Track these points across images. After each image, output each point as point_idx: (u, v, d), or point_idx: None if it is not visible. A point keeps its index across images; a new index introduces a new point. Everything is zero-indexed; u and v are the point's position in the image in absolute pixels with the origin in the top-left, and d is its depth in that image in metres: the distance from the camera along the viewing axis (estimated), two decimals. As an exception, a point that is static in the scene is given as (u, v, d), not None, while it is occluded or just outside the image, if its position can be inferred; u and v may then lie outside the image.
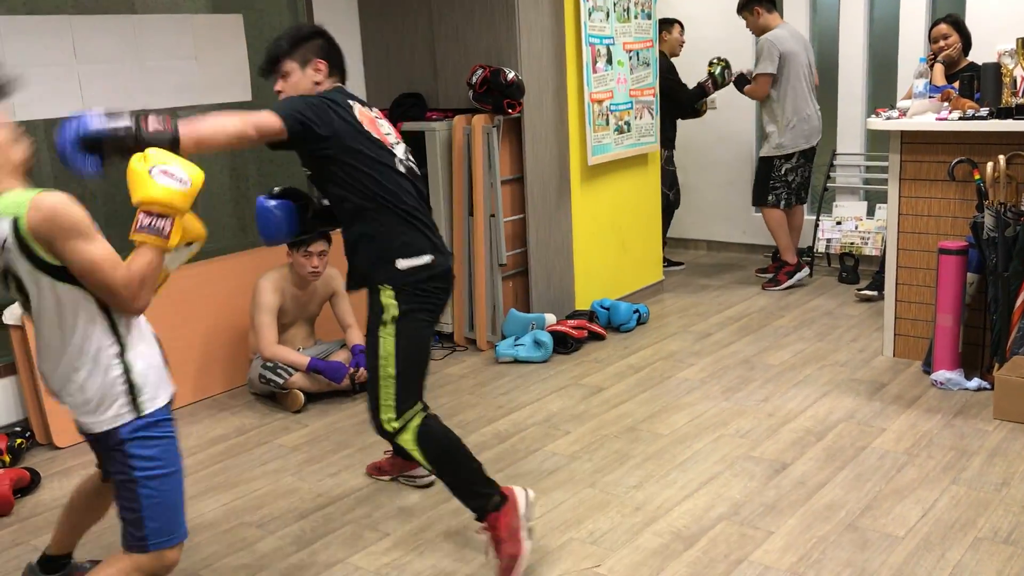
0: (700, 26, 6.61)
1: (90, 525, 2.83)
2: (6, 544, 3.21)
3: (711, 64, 6.03)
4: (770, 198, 5.77)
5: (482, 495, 2.78)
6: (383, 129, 2.89)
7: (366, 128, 2.81)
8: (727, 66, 6.02)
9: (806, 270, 5.88)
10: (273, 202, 2.95)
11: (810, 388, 4.23)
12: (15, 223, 2.06)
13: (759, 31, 5.68)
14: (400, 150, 2.90)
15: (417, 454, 2.79)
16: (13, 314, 3.94)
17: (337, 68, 2.96)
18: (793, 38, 5.57)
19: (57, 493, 3.58)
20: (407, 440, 2.78)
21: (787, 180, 5.72)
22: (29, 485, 3.57)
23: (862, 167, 6.30)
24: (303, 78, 2.89)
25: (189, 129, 2.46)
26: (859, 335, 4.93)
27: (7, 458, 3.76)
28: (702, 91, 6.04)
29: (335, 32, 5.29)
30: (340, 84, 2.97)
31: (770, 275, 5.97)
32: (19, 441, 3.85)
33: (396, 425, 2.78)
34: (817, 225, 6.22)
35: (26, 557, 3.10)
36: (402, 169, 2.86)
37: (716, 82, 6.02)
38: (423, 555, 2.98)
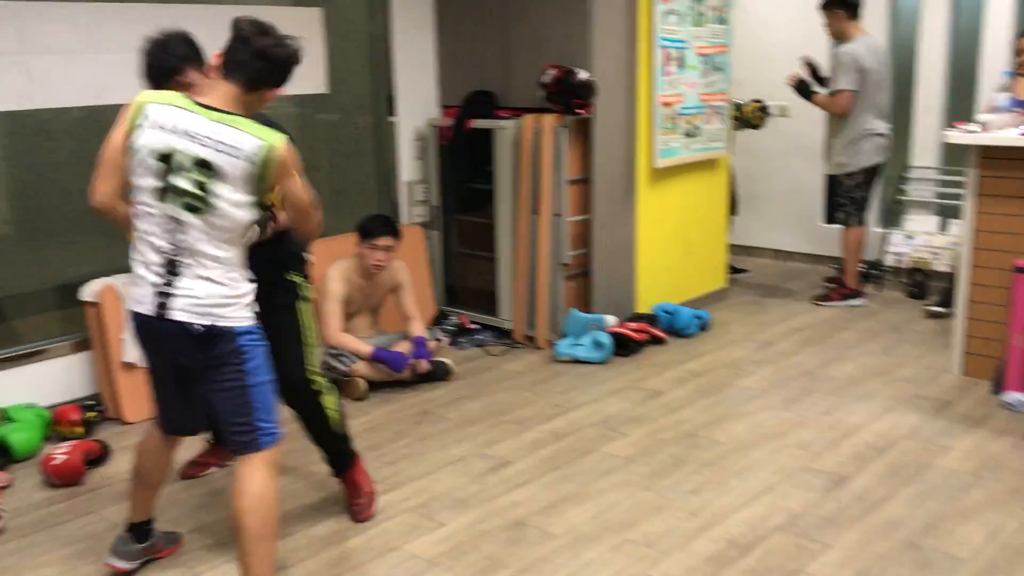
0: (773, 31, 6.54)
1: (162, 481, 2.90)
2: (79, 512, 3.32)
3: (743, 107, 6.00)
4: (839, 215, 5.66)
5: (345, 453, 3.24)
6: None
7: None
8: (762, 108, 6.03)
9: (863, 300, 5.74)
10: None
11: (873, 402, 4.16)
12: (269, 149, 2.44)
13: (836, 34, 5.55)
14: None
15: (333, 410, 3.17)
16: (91, 290, 4.07)
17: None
18: (871, 52, 5.42)
19: (125, 466, 3.68)
20: (330, 399, 3.16)
21: (852, 197, 5.60)
22: (100, 457, 3.69)
23: (936, 181, 6.17)
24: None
25: None
26: (926, 351, 4.84)
27: (80, 430, 3.89)
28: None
29: (411, 29, 5.37)
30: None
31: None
32: (91, 414, 3.98)
33: (325, 385, 3.14)
34: (887, 239, 6.11)
35: (96, 526, 3.21)
36: None
37: (746, 123, 5.99)
38: (478, 546, 3.01)
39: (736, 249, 6.89)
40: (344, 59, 5.09)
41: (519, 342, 5.11)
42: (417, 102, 5.40)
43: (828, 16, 5.50)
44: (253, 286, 2.58)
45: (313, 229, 2.75)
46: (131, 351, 4.09)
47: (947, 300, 5.33)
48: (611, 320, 4.97)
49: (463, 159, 5.25)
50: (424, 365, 4.41)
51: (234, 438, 2.59)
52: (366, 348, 4.32)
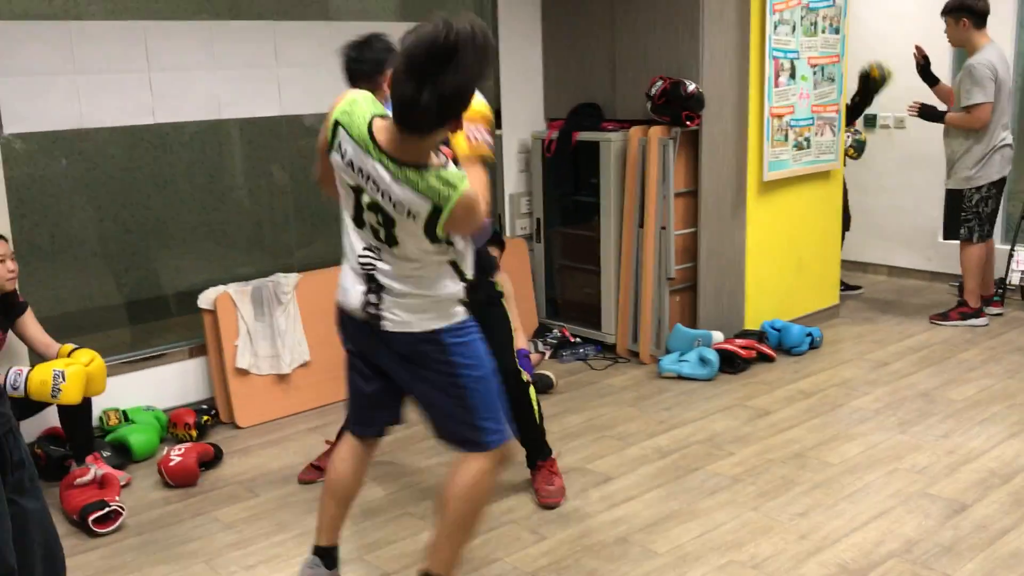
0: (891, 44, 6.33)
1: (353, 496, 2.79)
2: (192, 512, 3.43)
3: (858, 133, 5.85)
4: (962, 231, 5.42)
5: None
6: None
7: None
8: (862, 145, 5.93)
9: (985, 319, 5.48)
10: None
11: (996, 427, 3.96)
12: (449, 204, 2.26)
13: (958, 43, 5.32)
14: None
15: (536, 404, 3.35)
16: (207, 299, 4.22)
17: None
18: (1003, 63, 5.18)
19: (237, 469, 3.80)
20: (533, 393, 3.38)
21: (979, 211, 5.36)
22: (212, 459, 3.81)
23: (1065, 195, 5.86)
24: None
25: None
26: (1054, 375, 4.59)
27: (194, 432, 4.02)
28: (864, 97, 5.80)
29: (517, 41, 5.41)
30: None
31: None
32: (205, 418, 4.12)
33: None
34: (1011, 256, 5.82)
35: (209, 527, 3.31)
36: None
37: (871, 85, 5.77)
38: (580, 561, 2.99)
39: (848, 265, 6.68)
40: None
41: (622, 356, 5.06)
42: (522, 115, 5.42)
43: (952, 23, 5.26)
44: (461, 286, 2.48)
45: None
46: (244, 357, 4.22)
47: (1078, 321, 5.05)
48: (718, 336, 4.87)
49: (568, 171, 5.25)
50: (526, 377, 4.40)
51: (457, 437, 2.57)
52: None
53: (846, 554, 2.98)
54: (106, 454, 3.71)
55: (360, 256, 2.45)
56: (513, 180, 5.44)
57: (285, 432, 4.19)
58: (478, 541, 3.13)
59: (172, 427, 4.06)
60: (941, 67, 6.08)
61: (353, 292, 2.50)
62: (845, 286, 6.21)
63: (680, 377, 4.69)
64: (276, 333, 4.30)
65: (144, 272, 4.40)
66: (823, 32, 5.19)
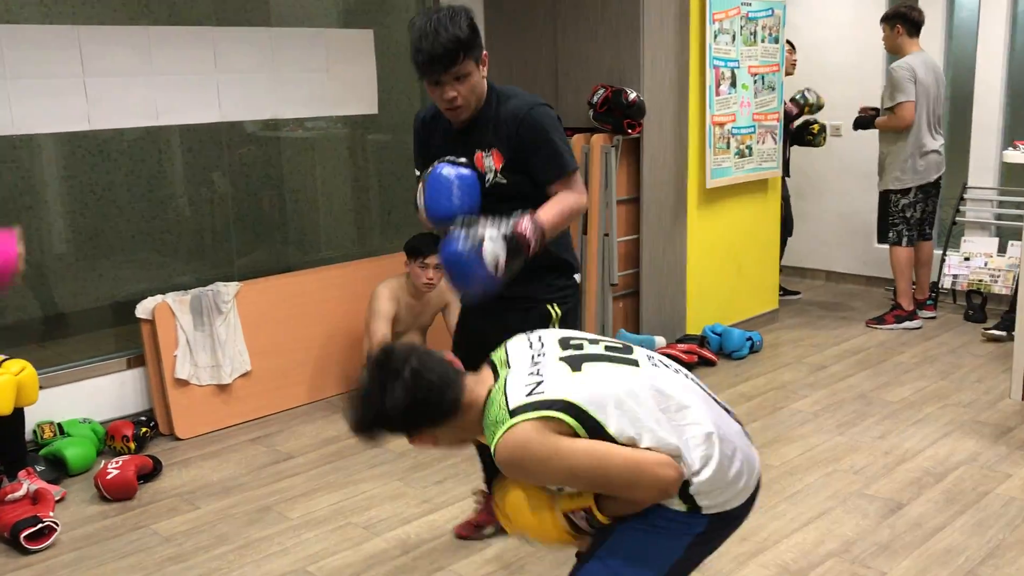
0: (829, 53, 6.48)
1: None
2: (130, 527, 3.36)
3: (800, 93, 5.91)
4: (891, 235, 5.56)
5: None
6: None
7: None
8: (823, 129, 5.97)
9: (919, 322, 5.62)
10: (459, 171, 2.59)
11: (930, 427, 4.06)
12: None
13: (892, 49, 5.49)
14: None
15: None
16: (145, 308, 4.14)
17: None
18: (926, 68, 5.35)
19: (177, 481, 3.73)
20: None
21: (905, 216, 5.50)
22: (152, 472, 3.74)
23: (995, 202, 6.04)
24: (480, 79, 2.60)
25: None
26: (985, 376, 4.72)
27: (132, 445, 3.94)
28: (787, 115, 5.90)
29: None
30: None
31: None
32: (144, 430, 4.04)
33: None
34: (943, 260, 5.98)
35: (147, 540, 3.24)
36: None
37: (799, 105, 5.88)
38: (524, 567, 2.99)
39: (787, 271, 6.80)
40: (395, 80, 5.14)
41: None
42: (466, 122, 5.42)
43: (887, 30, 5.44)
44: None
45: None
46: (183, 368, 4.15)
47: (1007, 323, 5.20)
48: (660, 341, 4.92)
49: (512, 179, 5.26)
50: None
51: None
52: (414, 367, 4.32)
53: (787, 555, 3.03)
54: (40, 468, 3.62)
55: None
56: (457, 187, 5.43)
57: (226, 443, 4.13)
58: (421, 550, 3.11)
59: (109, 440, 3.98)
60: (875, 73, 6.24)
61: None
62: (784, 291, 6.32)
63: (624, 382, 4.71)
64: (216, 343, 4.23)
65: (80, 282, 4.31)
66: (762, 41, 5.29)
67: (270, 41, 4.59)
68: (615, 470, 1.80)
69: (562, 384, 1.85)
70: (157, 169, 4.40)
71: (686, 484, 1.85)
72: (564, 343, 2.01)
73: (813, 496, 3.44)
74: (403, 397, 1.87)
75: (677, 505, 1.87)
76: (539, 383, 1.86)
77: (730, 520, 1.97)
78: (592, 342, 2.03)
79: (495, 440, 1.81)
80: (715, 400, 2.04)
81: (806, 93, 5.93)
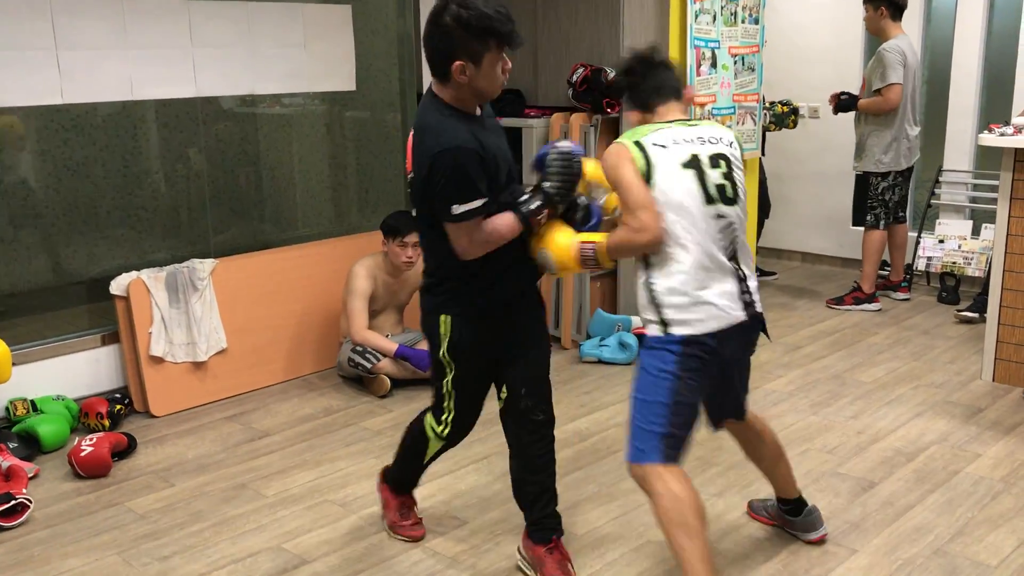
0: (808, 35, 6.49)
1: (776, 464, 2.96)
2: (104, 504, 3.35)
3: (775, 106, 5.85)
4: (868, 218, 5.59)
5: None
6: None
7: None
8: (794, 112, 5.85)
9: (878, 305, 5.67)
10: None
11: (902, 407, 4.11)
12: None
13: (874, 31, 5.49)
14: None
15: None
16: (120, 285, 4.11)
17: None
18: (910, 51, 5.37)
19: (152, 459, 3.72)
20: None
21: (884, 199, 5.53)
22: (126, 449, 3.72)
23: (969, 185, 6.09)
24: None
25: None
26: (957, 357, 4.77)
27: (107, 422, 3.92)
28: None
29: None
30: None
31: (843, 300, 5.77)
32: (118, 407, 4.01)
33: None
34: (918, 243, 6.03)
35: (121, 518, 3.23)
36: None
37: (779, 122, 5.87)
38: (500, 544, 3.01)
39: (764, 252, 6.84)
40: (372, 56, 5.10)
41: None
42: (445, 100, 5.39)
43: (871, 11, 5.43)
44: None
45: None
46: (158, 345, 4.13)
47: (979, 305, 5.26)
48: (637, 321, 4.94)
49: (490, 158, 5.24)
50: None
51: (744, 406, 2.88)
52: (391, 345, 4.32)
53: (760, 533, 3.06)
54: (13, 445, 3.60)
55: (727, 252, 2.55)
56: (435, 165, 5.41)
57: (201, 421, 4.12)
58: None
59: (84, 417, 3.95)
60: (853, 55, 6.26)
61: (729, 299, 2.52)
62: (760, 272, 6.35)
63: (600, 361, 4.74)
64: (192, 320, 4.21)
65: (54, 258, 4.27)
66: (743, 22, 5.28)
67: (247, 15, 4.54)
68: (633, 195, 2.46)
69: (664, 160, 2.50)
70: (132, 144, 4.35)
71: (658, 307, 2.51)
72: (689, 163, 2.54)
73: (786, 475, 3.47)
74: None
75: (656, 331, 2.52)
76: (659, 144, 2.52)
77: (704, 350, 2.49)
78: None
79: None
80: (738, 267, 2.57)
81: (784, 118, 5.87)
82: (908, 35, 5.46)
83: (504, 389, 2.79)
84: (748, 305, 2.55)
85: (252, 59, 4.57)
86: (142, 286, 4.12)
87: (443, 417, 2.85)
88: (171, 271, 4.21)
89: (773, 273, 6.53)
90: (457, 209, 2.47)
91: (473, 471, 3.55)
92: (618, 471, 3.52)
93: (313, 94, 4.94)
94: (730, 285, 2.52)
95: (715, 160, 2.53)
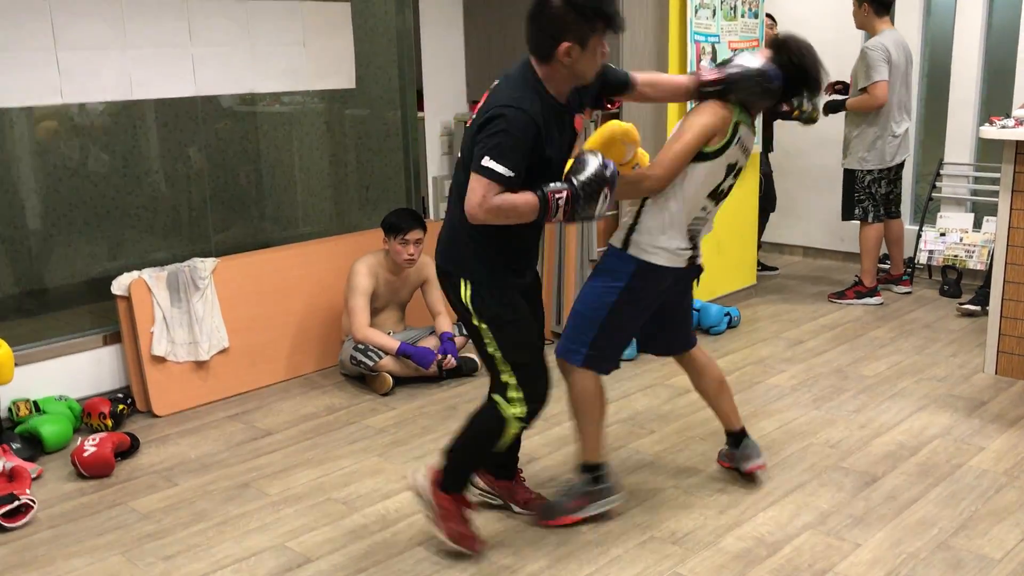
0: (808, 28, 6.44)
1: (719, 397, 3.33)
2: (108, 504, 3.35)
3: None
4: (857, 211, 5.57)
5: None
6: None
7: None
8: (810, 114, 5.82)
9: (880, 299, 5.66)
10: None
11: (905, 401, 4.11)
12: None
13: (861, 26, 5.47)
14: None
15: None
16: (121, 284, 4.11)
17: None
18: (898, 48, 5.32)
19: (155, 458, 3.72)
20: None
21: (871, 192, 5.51)
22: (129, 449, 3.72)
23: (971, 178, 6.08)
24: None
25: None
26: (959, 350, 4.77)
27: (109, 422, 3.92)
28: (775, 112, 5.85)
29: (439, 24, 5.37)
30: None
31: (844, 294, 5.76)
32: (121, 407, 4.01)
33: None
34: (920, 236, 6.03)
35: (124, 517, 3.23)
36: None
37: (792, 106, 5.81)
38: (504, 542, 3.00)
39: (766, 247, 6.83)
40: (372, 54, 5.10)
41: (547, 339, 5.08)
42: (445, 97, 5.40)
43: (856, 6, 5.42)
44: None
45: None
46: (160, 344, 4.13)
47: (981, 298, 5.25)
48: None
49: (491, 155, 5.24)
50: (451, 361, 4.41)
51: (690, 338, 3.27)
52: (392, 343, 4.32)
53: (763, 527, 3.06)
54: (16, 446, 3.60)
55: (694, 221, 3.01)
56: (436, 163, 5.42)
57: (204, 420, 4.12)
58: (403, 524, 3.12)
59: (86, 417, 3.95)
60: (853, 48, 6.23)
61: (681, 253, 3.00)
62: (762, 267, 6.35)
63: (603, 358, 4.73)
64: (193, 319, 4.21)
65: (55, 258, 4.27)
66: (742, 16, 5.27)
67: (246, 13, 4.53)
68: (678, 156, 2.90)
69: (727, 154, 3.00)
70: (132, 144, 4.35)
71: (635, 224, 2.96)
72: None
73: (790, 470, 3.47)
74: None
75: (618, 243, 2.98)
76: (739, 141, 3.02)
77: (655, 276, 2.96)
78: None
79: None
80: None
81: (804, 100, 5.81)
82: (897, 30, 5.44)
83: None
84: (692, 260, 3.05)
85: (252, 57, 4.57)
86: (143, 286, 4.12)
87: (514, 397, 2.76)
88: (172, 270, 4.21)
89: (775, 268, 6.53)
90: (487, 163, 2.47)
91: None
92: (620, 467, 3.52)
93: (313, 92, 4.93)
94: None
95: (737, 171, 3.03)
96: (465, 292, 2.72)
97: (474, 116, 2.61)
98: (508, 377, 2.76)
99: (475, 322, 2.75)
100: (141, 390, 4.17)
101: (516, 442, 3.13)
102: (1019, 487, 3.29)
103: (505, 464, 3.16)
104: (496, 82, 2.65)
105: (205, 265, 4.30)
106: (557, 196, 2.56)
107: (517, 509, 3.17)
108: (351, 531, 3.10)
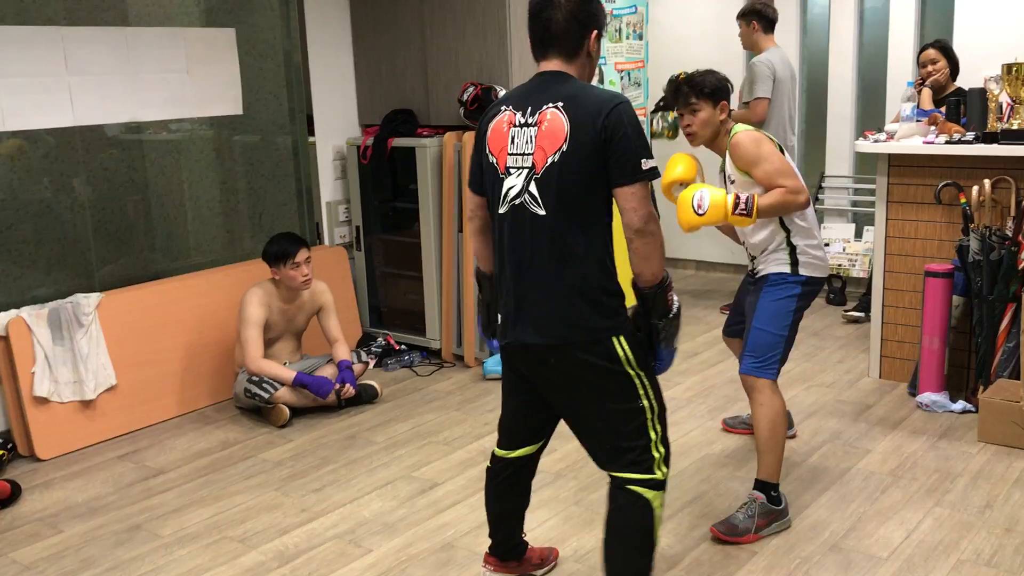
0: (690, 46, 6.66)
1: None
2: (-15, 556, 3.19)
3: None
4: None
5: None
6: (514, 141, 2.33)
7: (487, 146, 2.39)
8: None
9: None
10: None
11: (796, 408, 4.23)
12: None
13: (749, 46, 5.62)
14: (517, 178, 2.32)
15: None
16: (-2, 324, 3.93)
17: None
18: (783, 64, 5.51)
19: (38, 505, 3.56)
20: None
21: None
22: (10, 497, 3.55)
23: (850, 189, 6.34)
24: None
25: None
26: (845, 356, 4.95)
27: (-11, 469, 3.73)
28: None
29: (327, 47, 5.34)
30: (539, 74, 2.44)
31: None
32: (1, 453, 3.83)
33: None
34: (805, 246, 6.23)
35: (5, 570, 3.08)
36: (503, 209, 2.35)
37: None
38: (406, 571, 2.97)
39: (661, 261, 6.95)
40: (260, 79, 5.02)
41: (448, 361, 5.07)
42: (336, 121, 5.35)
43: (744, 26, 5.56)
44: None
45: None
46: (42, 385, 3.95)
47: (864, 305, 5.47)
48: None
49: (385, 178, 5.22)
50: (349, 389, 4.35)
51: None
52: (288, 374, 4.24)
53: (663, 541, 3.07)
54: None
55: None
56: (330, 188, 5.36)
57: (92, 461, 3.96)
58: (300, 560, 3.06)
59: (-37, 465, 3.76)
60: (736, 68, 6.44)
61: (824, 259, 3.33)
62: (658, 281, 6.46)
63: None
64: (78, 357, 4.05)
65: (-76, 298, 4.05)
66: (627, 38, 5.40)
67: (125, 41, 4.41)
68: (784, 165, 3.17)
69: None
70: (8, 176, 4.17)
71: (794, 248, 3.24)
72: None
73: (687, 481, 3.54)
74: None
75: (787, 268, 3.25)
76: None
77: (814, 287, 3.27)
78: None
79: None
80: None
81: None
82: (782, 48, 5.63)
83: (542, 440, 2.70)
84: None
85: (132, 85, 4.45)
86: (23, 324, 3.94)
87: (656, 456, 2.41)
88: (53, 307, 4.04)
89: (670, 282, 6.66)
90: (647, 163, 2.23)
91: (377, 497, 3.51)
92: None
93: (200, 119, 4.82)
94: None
95: None
96: (621, 349, 2.36)
97: (558, 150, 2.24)
98: (657, 428, 2.42)
99: (628, 369, 2.37)
100: (23, 433, 3.99)
101: (517, 514, 2.80)
102: (903, 486, 3.42)
103: (514, 545, 2.82)
104: (560, 103, 2.27)
105: (89, 300, 4.14)
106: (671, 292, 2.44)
107: (539, 573, 2.92)
108: (248, 569, 3.02)
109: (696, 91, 3.25)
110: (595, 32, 2.37)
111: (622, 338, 2.36)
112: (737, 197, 3.06)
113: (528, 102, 2.34)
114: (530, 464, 2.71)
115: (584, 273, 2.32)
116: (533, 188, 2.28)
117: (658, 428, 2.44)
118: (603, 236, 2.34)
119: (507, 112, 2.37)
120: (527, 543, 2.88)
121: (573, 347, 2.34)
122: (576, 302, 2.32)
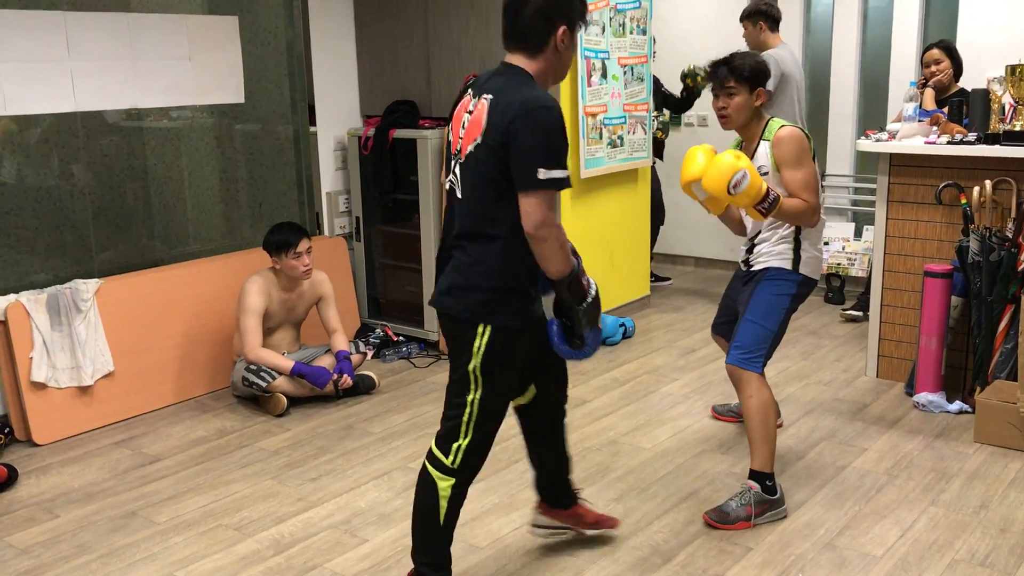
0: (693, 41, 6.65)
1: None
2: (-19, 540, 3.19)
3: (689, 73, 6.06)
4: None
5: None
6: (464, 125, 2.43)
7: (451, 126, 2.50)
8: (692, 76, 6.06)
9: None
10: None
11: (793, 406, 4.24)
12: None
13: (755, 46, 5.62)
14: (456, 160, 2.45)
15: None
16: (-3, 309, 3.92)
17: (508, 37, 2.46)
18: (792, 60, 5.51)
19: (35, 490, 3.56)
20: None
21: None
22: (6, 481, 3.55)
23: (851, 188, 6.34)
24: None
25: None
26: (843, 355, 4.95)
27: (-15, 453, 3.74)
28: (689, 96, 6.08)
29: (330, 37, 5.33)
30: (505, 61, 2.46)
31: None
32: (-2, 437, 3.83)
33: None
34: (805, 245, 6.23)
35: (1, 553, 3.08)
36: (447, 187, 2.52)
37: (695, 90, 6.06)
38: (401, 562, 2.97)
39: (658, 257, 6.97)
40: (262, 68, 5.01)
41: (445, 354, 5.07)
42: (338, 112, 5.34)
43: (750, 27, 5.57)
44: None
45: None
46: (39, 370, 3.95)
47: (863, 304, 5.47)
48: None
49: (386, 169, 5.21)
50: (347, 380, 4.35)
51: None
52: (286, 363, 4.24)
53: (658, 536, 3.11)
54: None
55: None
56: (330, 178, 5.35)
57: (88, 447, 3.96)
58: (296, 549, 3.07)
59: (-41, 449, 3.76)
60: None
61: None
62: (656, 277, 6.47)
63: (501, 371, 4.74)
64: (76, 343, 4.05)
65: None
66: (631, 33, 5.38)
67: (128, 27, 4.40)
68: (816, 182, 3.19)
69: None
70: (8, 161, 4.16)
71: (799, 245, 3.25)
72: None
73: (684, 476, 3.54)
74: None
75: (789, 265, 3.26)
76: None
77: (808, 288, 3.33)
78: None
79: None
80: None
81: (695, 69, 6.04)
82: (788, 44, 5.64)
83: (532, 389, 2.77)
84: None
85: (134, 72, 4.44)
86: (21, 309, 3.94)
87: (455, 445, 2.51)
88: (52, 293, 4.04)
89: (668, 278, 6.67)
90: (547, 174, 2.28)
91: (373, 487, 3.51)
92: (518, 481, 3.53)
93: (201, 107, 4.81)
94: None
95: None
96: (482, 338, 2.43)
97: (474, 141, 2.35)
98: (467, 428, 2.52)
99: (470, 368, 2.46)
100: (20, 418, 3.99)
101: (563, 464, 2.92)
102: (898, 485, 3.43)
103: (558, 494, 2.95)
104: (489, 96, 2.34)
105: (87, 286, 4.14)
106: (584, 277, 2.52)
107: (590, 533, 3.03)
108: (243, 557, 3.03)
109: (736, 75, 3.14)
110: (563, 27, 2.39)
111: (488, 329, 2.42)
112: (769, 192, 3.04)
113: (480, 89, 2.43)
114: (532, 414, 2.84)
115: (481, 259, 2.41)
116: (458, 171, 2.44)
117: (467, 434, 2.52)
118: (511, 228, 2.37)
119: (467, 96, 2.48)
120: (576, 497, 2.99)
121: (450, 318, 2.49)
122: (460, 281, 2.44)
